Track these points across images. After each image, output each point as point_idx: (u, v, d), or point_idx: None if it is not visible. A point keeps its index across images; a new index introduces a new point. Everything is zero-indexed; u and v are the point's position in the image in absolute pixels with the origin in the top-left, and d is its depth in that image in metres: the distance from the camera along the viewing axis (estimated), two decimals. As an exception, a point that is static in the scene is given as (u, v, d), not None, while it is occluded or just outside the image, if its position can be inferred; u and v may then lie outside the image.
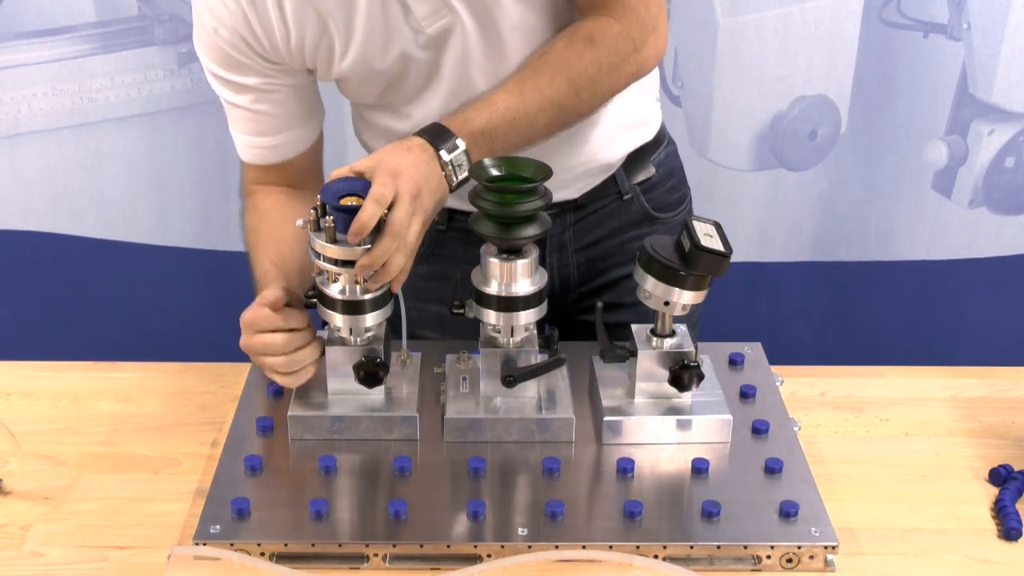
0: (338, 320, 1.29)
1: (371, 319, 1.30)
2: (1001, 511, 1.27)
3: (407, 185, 1.23)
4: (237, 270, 2.33)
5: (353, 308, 1.29)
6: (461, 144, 1.29)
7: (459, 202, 1.48)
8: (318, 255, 1.26)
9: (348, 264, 1.25)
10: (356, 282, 1.27)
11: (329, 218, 1.24)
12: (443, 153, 1.28)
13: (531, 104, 1.32)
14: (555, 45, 1.34)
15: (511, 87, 1.32)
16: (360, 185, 1.27)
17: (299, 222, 1.29)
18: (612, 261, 1.57)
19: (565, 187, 1.49)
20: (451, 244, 1.52)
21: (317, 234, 1.25)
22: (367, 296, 1.28)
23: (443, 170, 1.28)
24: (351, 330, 1.30)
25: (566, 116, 1.35)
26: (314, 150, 1.48)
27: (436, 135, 1.29)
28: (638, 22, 1.34)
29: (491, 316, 1.31)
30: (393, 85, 1.39)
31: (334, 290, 1.28)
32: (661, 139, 1.60)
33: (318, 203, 1.25)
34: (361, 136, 1.53)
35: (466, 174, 1.30)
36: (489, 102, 1.32)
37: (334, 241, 1.24)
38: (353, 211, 1.23)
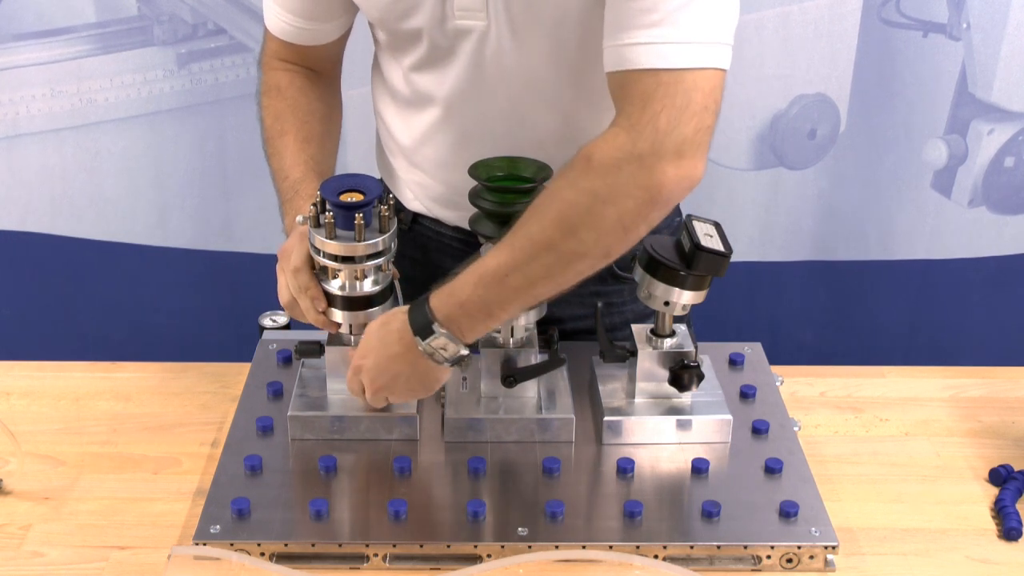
0: (338, 316, 1.29)
1: (371, 314, 1.30)
2: (1001, 511, 1.27)
3: (368, 383, 1.28)
4: (237, 270, 2.35)
5: (354, 304, 1.29)
6: (439, 330, 1.20)
7: (420, 207, 1.48)
8: (318, 251, 1.26)
9: (348, 260, 1.25)
10: (356, 277, 1.27)
11: (329, 214, 1.24)
12: (420, 343, 1.22)
13: (521, 254, 1.17)
14: (558, 172, 1.18)
15: (505, 239, 1.19)
16: (360, 180, 1.27)
17: (299, 218, 1.29)
18: (569, 311, 1.47)
19: None
20: (411, 246, 1.51)
21: (317, 230, 1.25)
22: (367, 291, 1.28)
23: (427, 358, 1.23)
24: (351, 326, 1.30)
25: (569, 261, 1.17)
26: (340, 42, 1.46)
27: (417, 318, 1.22)
28: (651, 134, 1.11)
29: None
30: (402, 41, 1.34)
31: (334, 286, 1.28)
32: None
33: (318, 199, 1.26)
34: (375, 95, 1.49)
35: (460, 351, 1.22)
36: (480, 264, 1.20)
37: (334, 237, 1.24)
38: (353, 207, 1.23)
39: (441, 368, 1.25)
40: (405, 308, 1.24)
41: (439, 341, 1.21)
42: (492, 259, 1.19)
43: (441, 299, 1.21)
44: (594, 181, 1.14)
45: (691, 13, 1.13)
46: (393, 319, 1.25)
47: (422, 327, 1.22)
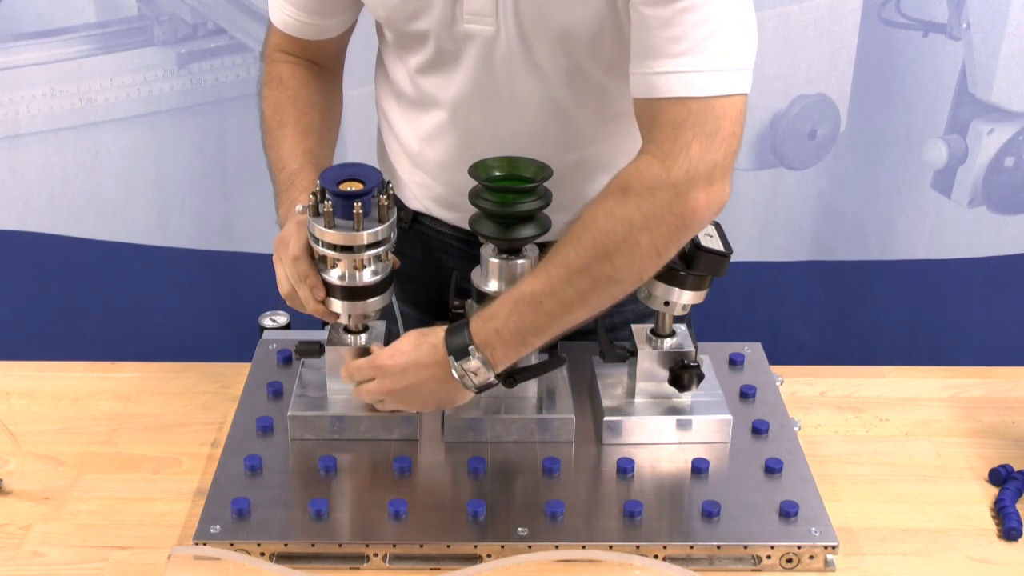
0: (338, 306, 1.29)
1: (371, 305, 1.29)
2: (1001, 511, 1.27)
3: (385, 384, 1.28)
4: (237, 270, 2.35)
5: (353, 294, 1.28)
6: (475, 354, 1.22)
7: (421, 206, 1.48)
8: (317, 240, 1.26)
9: (347, 250, 1.25)
10: (356, 267, 1.27)
11: (328, 203, 1.23)
12: (453, 364, 1.23)
13: (557, 281, 1.19)
14: (592, 201, 1.20)
15: (540, 266, 1.22)
16: (360, 170, 1.26)
17: (298, 207, 1.28)
18: None
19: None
20: (411, 245, 1.51)
21: (316, 219, 1.25)
22: (367, 281, 1.28)
23: (457, 380, 1.24)
24: (350, 316, 1.30)
25: (604, 287, 1.19)
26: (343, 37, 1.47)
27: (454, 339, 1.23)
28: (685, 162, 1.14)
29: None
30: (409, 42, 1.34)
31: (333, 276, 1.27)
32: None
33: (317, 188, 1.25)
34: (378, 94, 1.49)
35: (490, 378, 1.24)
36: (515, 289, 1.22)
37: (333, 226, 1.24)
38: (352, 196, 1.23)
39: (464, 392, 1.26)
40: (445, 326, 1.26)
41: (472, 364, 1.22)
42: (527, 285, 1.21)
43: (479, 323, 1.23)
44: (630, 209, 1.16)
45: (718, 41, 1.15)
46: (433, 333, 1.26)
47: (458, 348, 1.23)
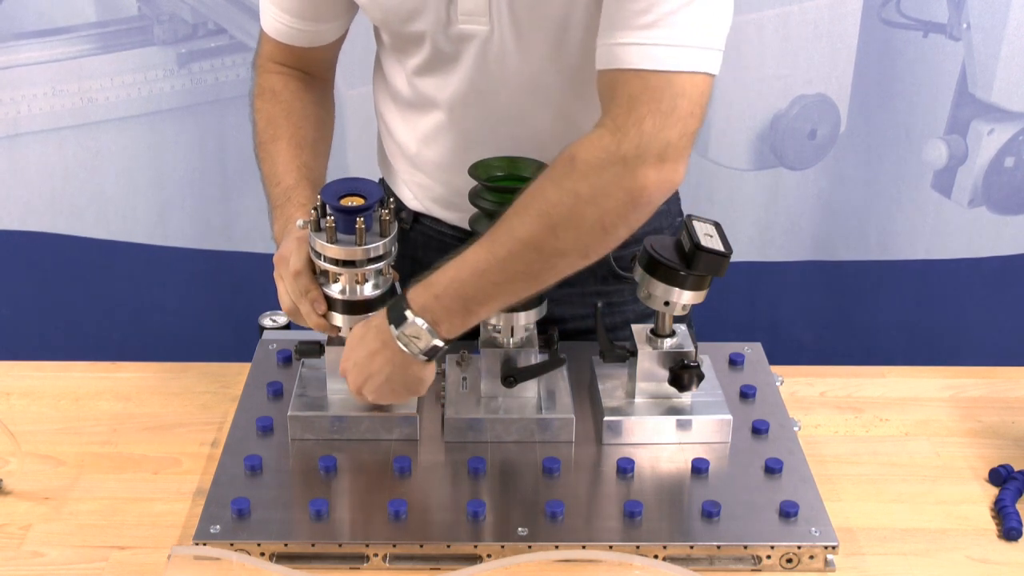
0: (339, 320, 1.29)
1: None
2: (1001, 511, 1.27)
3: (352, 383, 1.28)
4: (237, 270, 2.35)
5: (354, 308, 1.29)
6: (412, 318, 1.20)
7: (421, 207, 1.48)
8: (319, 255, 1.26)
9: (349, 264, 1.25)
10: (357, 281, 1.27)
11: (330, 218, 1.24)
12: (394, 331, 1.22)
13: (501, 249, 1.17)
14: (544, 171, 1.18)
15: (486, 235, 1.19)
16: (360, 185, 1.27)
17: (299, 222, 1.29)
18: (569, 311, 1.47)
19: None
20: (412, 246, 1.51)
21: (318, 234, 1.25)
22: (368, 295, 1.28)
23: (403, 350, 1.22)
24: (351, 330, 1.30)
25: (548, 259, 1.17)
26: (336, 44, 1.46)
27: (394, 309, 1.22)
28: (636, 137, 1.12)
29: (491, 316, 1.31)
30: (406, 44, 1.34)
31: (335, 290, 1.28)
32: None
33: (318, 203, 1.26)
34: (376, 97, 1.49)
35: (432, 342, 1.21)
36: (460, 258, 1.20)
37: (335, 241, 1.25)
38: (354, 211, 1.23)
39: (420, 365, 1.25)
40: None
41: (412, 330, 1.21)
42: (471, 254, 1.19)
43: (418, 291, 1.22)
44: (577, 181, 1.14)
45: (685, 17, 1.12)
46: (376, 317, 1.26)
47: (397, 317, 1.22)
